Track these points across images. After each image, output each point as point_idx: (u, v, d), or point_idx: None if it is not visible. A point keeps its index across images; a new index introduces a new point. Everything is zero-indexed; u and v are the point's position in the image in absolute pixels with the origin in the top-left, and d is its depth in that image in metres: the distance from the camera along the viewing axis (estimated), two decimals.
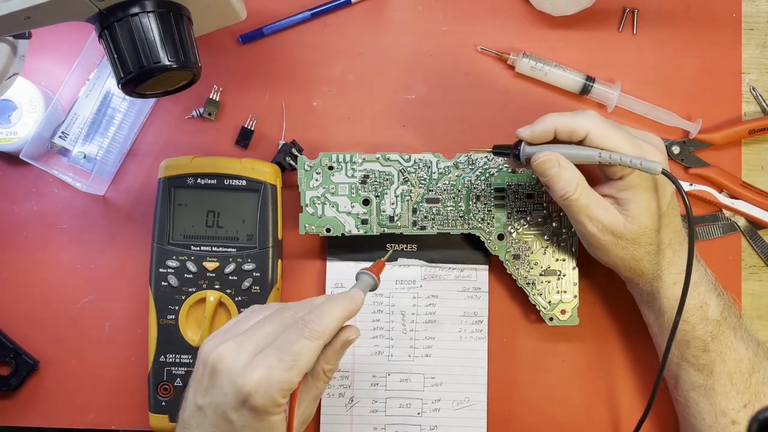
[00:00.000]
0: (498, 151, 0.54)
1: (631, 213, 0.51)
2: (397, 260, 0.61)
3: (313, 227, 0.58)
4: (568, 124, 0.50)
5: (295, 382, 0.43)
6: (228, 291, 0.58)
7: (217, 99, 0.63)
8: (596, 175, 0.54)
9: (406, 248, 0.62)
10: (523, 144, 0.52)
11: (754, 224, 0.62)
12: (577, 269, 0.59)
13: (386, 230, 0.58)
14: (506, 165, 0.59)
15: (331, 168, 0.58)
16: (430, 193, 0.59)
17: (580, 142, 0.50)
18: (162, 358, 0.58)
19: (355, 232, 0.58)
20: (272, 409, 0.43)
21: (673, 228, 0.52)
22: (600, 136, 0.49)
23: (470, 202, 0.59)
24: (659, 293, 0.53)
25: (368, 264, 0.51)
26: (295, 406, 0.44)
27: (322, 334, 0.44)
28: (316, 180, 0.58)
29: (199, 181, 0.59)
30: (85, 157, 0.61)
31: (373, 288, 0.50)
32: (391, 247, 0.61)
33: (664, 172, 0.48)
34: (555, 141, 0.51)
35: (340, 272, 0.61)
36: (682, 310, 0.51)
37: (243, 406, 0.42)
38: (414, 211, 0.59)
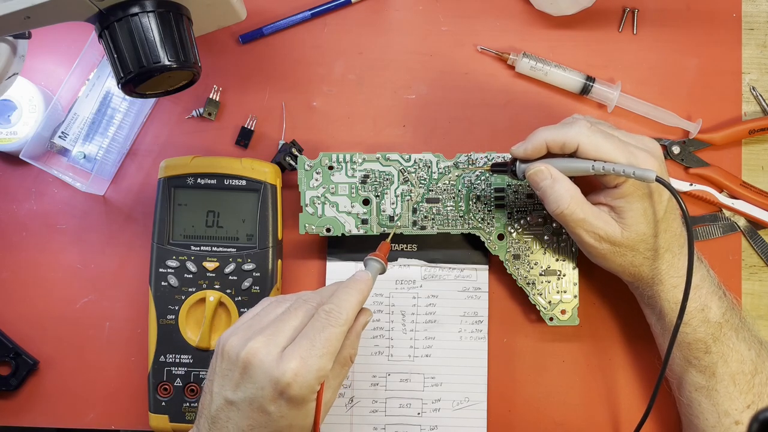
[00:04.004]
0: (496, 169, 0.55)
1: (627, 221, 0.51)
2: (397, 260, 0.61)
3: (313, 227, 0.58)
4: (558, 137, 0.50)
5: (328, 369, 0.45)
6: (228, 291, 0.58)
7: (217, 99, 0.63)
8: (593, 182, 0.54)
9: (406, 248, 0.62)
10: (517, 162, 0.53)
11: (754, 224, 0.62)
12: (577, 269, 0.59)
13: (386, 230, 0.58)
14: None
15: (331, 168, 0.58)
16: (430, 192, 0.59)
17: (573, 153, 0.50)
18: (162, 358, 0.58)
19: (355, 231, 0.58)
20: (309, 396, 0.44)
21: (671, 232, 0.52)
22: (591, 146, 0.49)
23: (470, 202, 0.59)
24: (660, 296, 0.53)
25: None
26: (323, 393, 0.45)
27: (345, 321, 0.46)
28: (316, 180, 0.58)
29: (199, 181, 0.59)
30: (85, 157, 0.61)
31: (382, 272, 0.51)
32: (391, 246, 0.61)
33: (659, 180, 0.48)
34: (549, 154, 0.52)
35: (340, 272, 0.61)
36: (683, 313, 0.51)
37: (281, 396, 0.44)
38: (414, 210, 0.59)
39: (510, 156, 0.53)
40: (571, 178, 0.52)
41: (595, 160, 0.49)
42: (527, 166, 0.52)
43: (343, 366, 0.48)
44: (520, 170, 0.53)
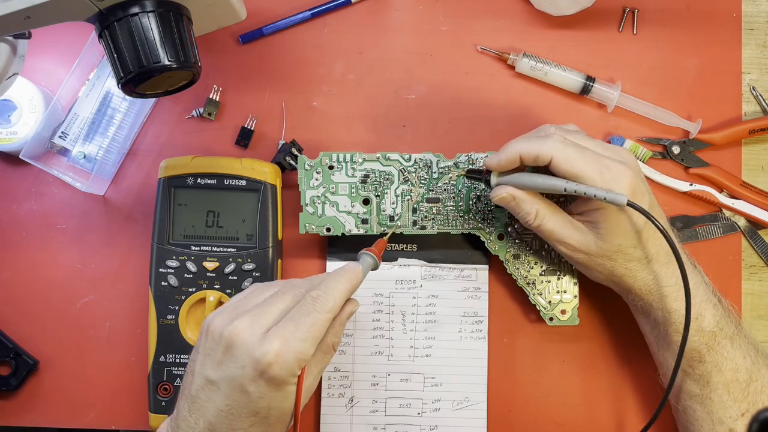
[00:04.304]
0: (471, 175, 0.56)
1: (601, 231, 0.51)
2: (397, 260, 0.61)
3: (314, 227, 0.58)
4: (531, 150, 0.50)
5: (310, 353, 0.45)
6: (228, 291, 0.58)
7: (217, 99, 0.63)
8: None
9: (406, 248, 0.62)
10: (492, 173, 0.54)
11: (754, 224, 0.62)
12: (577, 269, 0.59)
13: (386, 230, 0.58)
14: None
15: (331, 167, 0.58)
16: (431, 192, 0.59)
17: (547, 166, 0.51)
18: (162, 358, 0.58)
19: (355, 231, 0.58)
20: (289, 379, 0.44)
21: (656, 241, 0.51)
22: (563, 161, 0.49)
23: (470, 202, 0.59)
24: (652, 306, 0.53)
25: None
26: (303, 379, 0.45)
27: (332, 308, 0.46)
28: (317, 179, 0.58)
29: (199, 181, 0.59)
30: (85, 157, 0.61)
31: (374, 268, 0.52)
32: (390, 246, 0.61)
33: (630, 204, 0.48)
34: (524, 165, 0.52)
35: None
36: (689, 327, 0.50)
37: (261, 377, 0.44)
38: (414, 210, 0.59)
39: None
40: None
41: (567, 180, 0.49)
42: (493, 188, 0.53)
43: (325, 354, 0.48)
44: (493, 182, 0.53)
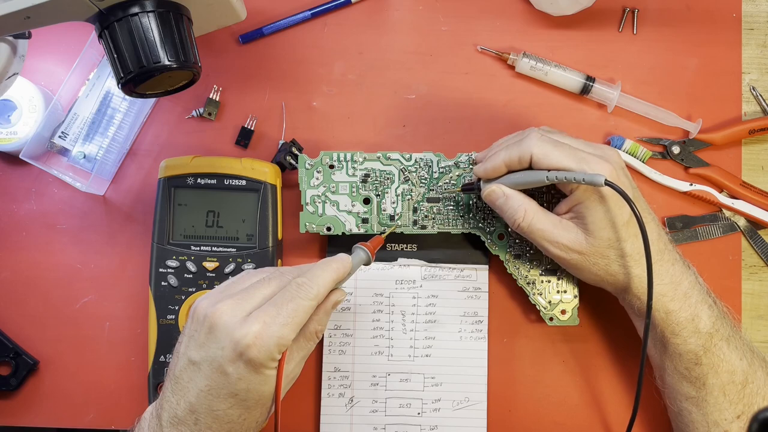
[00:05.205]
0: (466, 189, 0.57)
1: (589, 227, 0.51)
2: (397, 260, 0.61)
3: (314, 226, 0.58)
4: (513, 154, 0.51)
5: (290, 339, 0.45)
6: None
7: (217, 99, 0.63)
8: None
9: (406, 248, 0.62)
10: (481, 180, 0.55)
11: (754, 224, 0.62)
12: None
13: (386, 228, 0.58)
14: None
15: (332, 167, 0.58)
16: (431, 192, 0.59)
17: (530, 165, 0.51)
18: (162, 358, 0.58)
19: (355, 231, 0.58)
20: (268, 362, 0.45)
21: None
22: (542, 155, 0.50)
23: (471, 202, 0.59)
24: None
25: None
26: (284, 365, 0.46)
27: (316, 295, 0.47)
28: (317, 179, 0.58)
29: (199, 181, 0.59)
30: (85, 157, 0.61)
31: (366, 263, 0.52)
32: (390, 246, 0.61)
33: (608, 183, 0.48)
34: (510, 170, 0.53)
35: None
36: (650, 319, 0.51)
37: (240, 358, 0.44)
38: (414, 210, 0.59)
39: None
40: (536, 190, 0.54)
41: (549, 170, 0.50)
42: (483, 187, 0.54)
43: (308, 340, 0.48)
44: (484, 188, 0.54)
